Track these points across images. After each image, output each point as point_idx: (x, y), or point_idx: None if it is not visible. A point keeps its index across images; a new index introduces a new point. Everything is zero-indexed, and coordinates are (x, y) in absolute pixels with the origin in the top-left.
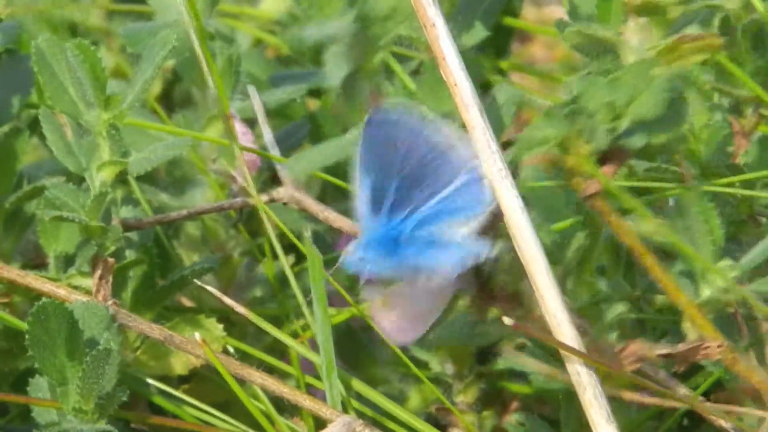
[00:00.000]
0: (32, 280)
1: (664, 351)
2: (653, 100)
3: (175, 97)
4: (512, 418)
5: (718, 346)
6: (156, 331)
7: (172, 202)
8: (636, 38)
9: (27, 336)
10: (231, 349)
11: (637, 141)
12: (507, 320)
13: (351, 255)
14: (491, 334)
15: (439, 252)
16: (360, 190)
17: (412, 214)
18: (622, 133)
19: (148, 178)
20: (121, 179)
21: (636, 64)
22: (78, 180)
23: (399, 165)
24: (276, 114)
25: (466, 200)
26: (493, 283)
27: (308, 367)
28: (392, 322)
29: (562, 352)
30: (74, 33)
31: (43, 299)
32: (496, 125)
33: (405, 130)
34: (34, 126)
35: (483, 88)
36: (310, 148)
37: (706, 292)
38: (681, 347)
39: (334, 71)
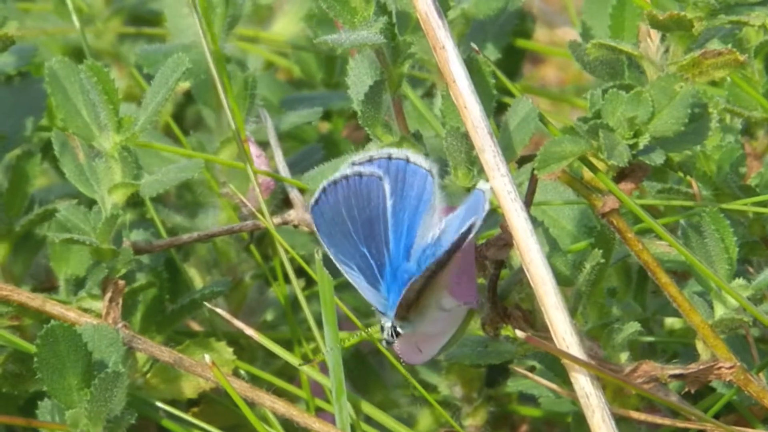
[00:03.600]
0: (42, 302)
1: (676, 371)
2: (675, 117)
3: (186, 120)
4: None
5: (730, 367)
6: (166, 354)
7: (184, 224)
8: (656, 53)
9: (36, 359)
10: (242, 372)
11: (657, 157)
12: (520, 334)
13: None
14: (504, 352)
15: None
16: (346, 271)
17: (409, 251)
18: (641, 150)
19: (160, 200)
20: (133, 202)
21: (658, 80)
22: (89, 203)
23: (354, 227)
24: (288, 137)
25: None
26: (506, 302)
27: (318, 391)
28: (405, 344)
29: (571, 373)
30: (84, 56)
31: (53, 322)
32: (508, 145)
33: (343, 198)
34: (46, 149)
35: (497, 110)
36: (326, 165)
37: (719, 312)
38: (693, 367)
39: (358, 82)
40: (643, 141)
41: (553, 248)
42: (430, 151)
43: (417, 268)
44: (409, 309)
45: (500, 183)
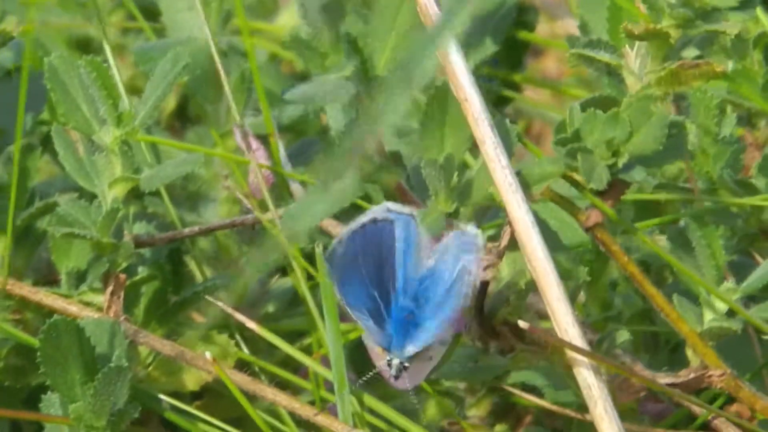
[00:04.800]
0: (44, 296)
1: (668, 380)
2: (652, 136)
3: (189, 114)
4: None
5: (721, 375)
6: (167, 347)
7: (185, 218)
8: (636, 61)
9: (39, 353)
10: (244, 365)
11: (636, 174)
12: (522, 324)
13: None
14: (495, 366)
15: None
16: (357, 316)
17: (405, 288)
18: (621, 168)
19: (161, 194)
20: (135, 195)
21: (636, 100)
22: (90, 197)
23: (366, 271)
24: (288, 129)
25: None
26: (495, 320)
27: (327, 383)
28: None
29: (573, 365)
30: (88, 49)
31: (55, 316)
32: (507, 140)
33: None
34: (47, 143)
35: (496, 103)
36: (310, 197)
37: (708, 317)
38: (683, 375)
39: (335, 115)
40: (622, 160)
41: (554, 241)
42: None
43: (413, 303)
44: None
45: (501, 175)
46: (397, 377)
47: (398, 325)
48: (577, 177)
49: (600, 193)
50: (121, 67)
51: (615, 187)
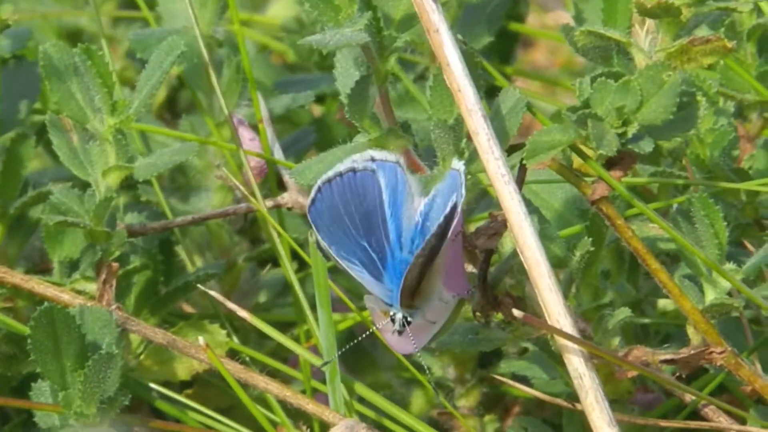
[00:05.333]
0: (35, 284)
1: (667, 356)
2: (663, 105)
3: (180, 104)
4: (514, 423)
5: (721, 352)
6: (159, 335)
7: (177, 207)
8: (645, 40)
9: (29, 340)
10: (237, 354)
11: (646, 146)
12: (517, 313)
13: (398, 336)
14: (495, 339)
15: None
16: (350, 267)
17: (401, 240)
18: (630, 138)
19: (153, 183)
20: (127, 184)
21: (647, 69)
22: (83, 186)
23: (351, 221)
24: (280, 120)
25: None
26: (497, 290)
27: (315, 373)
28: (392, 329)
29: (564, 354)
30: (79, 39)
31: (46, 303)
32: (500, 130)
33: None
34: (40, 132)
35: (488, 93)
36: (316, 157)
37: (710, 296)
38: (684, 352)
39: (344, 75)
40: (632, 130)
41: (545, 230)
42: (421, 136)
43: (411, 256)
44: (413, 297)
45: (494, 166)
46: (400, 332)
47: (398, 278)
48: (585, 148)
49: (607, 167)
50: (112, 57)
51: (623, 160)
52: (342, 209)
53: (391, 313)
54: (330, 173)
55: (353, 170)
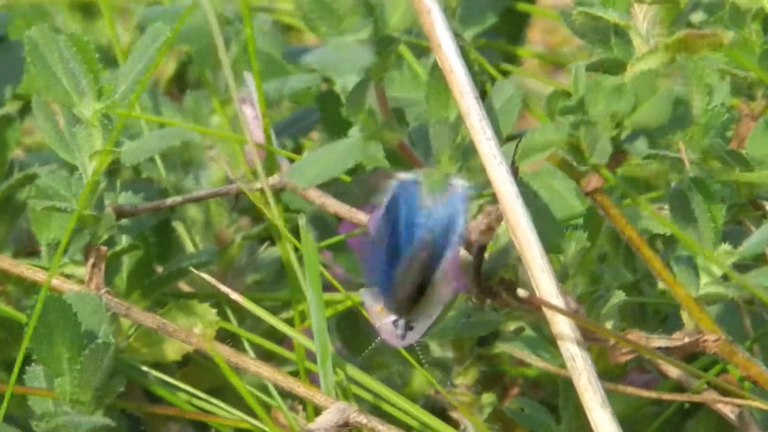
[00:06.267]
0: (24, 269)
1: (661, 343)
2: (657, 109)
3: (189, 78)
4: (511, 403)
5: (715, 340)
6: (149, 319)
7: (179, 184)
8: (643, 22)
9: (25, 329)
10: (229, 335)
11: (639, 147)
12: (522, 292)
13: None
14: (489, 322)
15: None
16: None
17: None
18: (624, 139)
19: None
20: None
21: (641, 75)
22: (70, 169)
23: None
24: (291, 98)
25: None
26: (491, 281)
27: (311, 354)
28: (390, 327)
29: (557, 336)
30: (89, 12)
31: (42, 292)
32: (493, 112)
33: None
34: (25, 115)
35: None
36: (315, 154)
37: (705, 280)
38: (677, 339)
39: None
40: (626, 132)
41: (543, 212)
42: (420, 118)
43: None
44: (415, 303)
45: (486, 146)
46: (404, 337)
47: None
48: (578, 144)
49: None
50: (122, 29)
51: (617, 156)
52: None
53: (394, 319)
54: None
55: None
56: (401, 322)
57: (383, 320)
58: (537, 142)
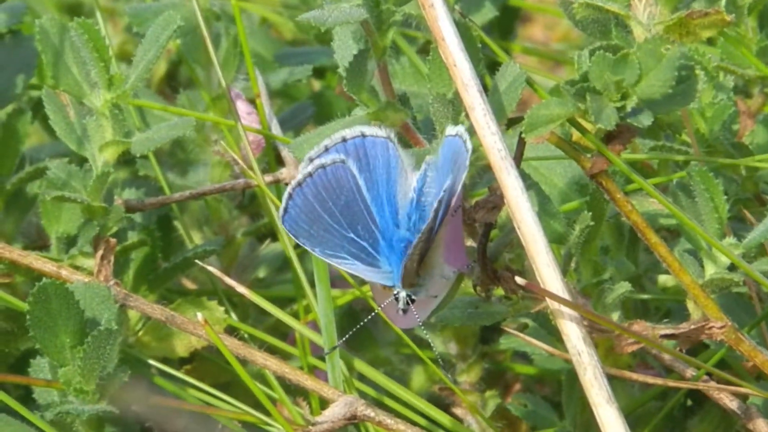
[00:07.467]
0: (33, 260)
1: (668, 331)
2: (662, 79)
3: (180, 78)
4: (514, 399)
5: (721, 327)
6: (157, 311)
7: (176, 182)
8: (644, 13)
9: (28, 317)
10: (233, 330)
11: (645, 119)
12: (520, 280)
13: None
14: (495, 313)
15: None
16: (339, 263)
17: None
18: (629, 112)
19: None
20: (125, 159)
21: (645, 42)
22: (80, 162)
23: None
24: (280, 94)
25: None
26: (497, 264)
27: (315, 349)
28: (396, 308)
29: (563, 331)
30: (78, 13)
31: (44, 280)
32: (498, 105)
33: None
34: (37, 108)
35: (489, 69)
36: (314, 131)
37: (710, 270)
38: (684, 327)
39: (343, 48)
40: (631, 104)
41: (545, 206)
42: (421, 110)
43: (410, 233)
44: (417, 274)
45: (490, 141)
46: (405, 311)
47: (398, 257)
48: (584, 122)
49: (606, 140)
50: (112, 32)
51: (622, 134)
52: (319, 208)
53: (395, 292)
54: (299, 177)
55: (322, 166)
56: (402, 295)
57: (390, 301)
58: (542, 115)
